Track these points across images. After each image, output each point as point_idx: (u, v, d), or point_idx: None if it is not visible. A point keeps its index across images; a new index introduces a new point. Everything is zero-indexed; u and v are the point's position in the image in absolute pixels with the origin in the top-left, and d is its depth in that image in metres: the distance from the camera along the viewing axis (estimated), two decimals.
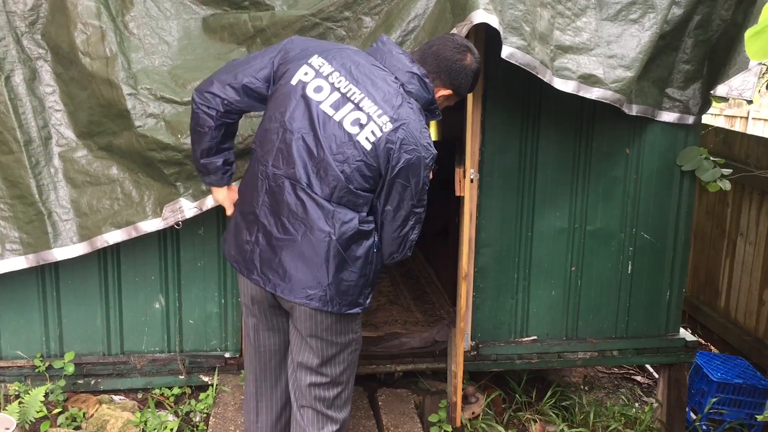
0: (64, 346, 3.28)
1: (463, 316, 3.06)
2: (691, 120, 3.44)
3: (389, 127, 2.15)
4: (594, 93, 3.03)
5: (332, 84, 2.20)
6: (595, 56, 3.03)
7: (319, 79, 2.22)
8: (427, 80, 2.26)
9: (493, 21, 2.62)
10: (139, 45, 2.87)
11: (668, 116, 3.42)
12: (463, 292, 3.06)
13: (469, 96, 2.80)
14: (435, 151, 2.23)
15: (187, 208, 2.92)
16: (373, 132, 2.16)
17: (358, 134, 2.17)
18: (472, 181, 2.83)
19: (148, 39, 2.89)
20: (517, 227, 3.54)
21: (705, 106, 3.41)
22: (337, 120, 2.19)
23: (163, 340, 3.35)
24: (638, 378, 4.64)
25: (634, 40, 3.11)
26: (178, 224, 2.93)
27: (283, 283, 2.27)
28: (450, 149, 3.33)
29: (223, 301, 3.35)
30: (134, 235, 2.96)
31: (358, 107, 2.17)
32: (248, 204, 2.34)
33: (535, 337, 3.67)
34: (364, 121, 2.16)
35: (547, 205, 3.55)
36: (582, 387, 4.26)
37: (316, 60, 2.25)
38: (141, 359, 3.32)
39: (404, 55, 2.26)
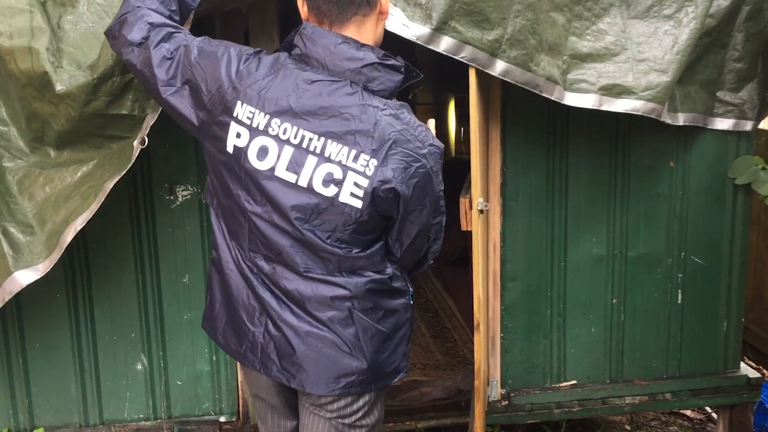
0: (35, 418, 2.86)
1: (480, 372, 2.59)
2: (749, 126, 2.98)
3: (374, 164, 1.64)
4: (620, 105, 2.58)
5: (276, 137, 1.66)
6: (622, 62, 2.59)
7: (257, 137, 1.67)
8: (388, 60, 1.70)
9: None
10: None
11: (722, 123, 2.96)
12: (478, 345, 2.59)
13: (473, 106, 2.35)
14: (440, 144, 1.74)
15: None
16: (357, 184, 1.65)
17: (337, 195, 1.66)
18: (481, 212, 2.38)
19: None
20: (548, 256, 3.10)
21: (764, 108, 2.95)
22: (304, 185, 1.67)
23: (148, 406, 2.92)
24: (689, 414, 4.15)
25: (670, 38, 2.66)
26: (144, 141, 2.13)
27: (312, 377, 1.80)
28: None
29: (214, 357, 2.92)
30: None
31: (323, 157, 1.65)
32: (236, 285, 1.83)
33: (574, 382, 3.20)
34: (338, 175, 1.65)
35: (581, 229, 3.10)
36: (627, 429, 3.78)
37: (242, 110, 1.67)
38: (123, 429, 2.89)
39: (345, 43, 1.67)
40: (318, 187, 1.66)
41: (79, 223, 2.09)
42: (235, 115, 1.67)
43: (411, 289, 1.90)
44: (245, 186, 1.71)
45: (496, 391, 3.14)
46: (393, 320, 1.83)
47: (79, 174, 2.13)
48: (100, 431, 2.89)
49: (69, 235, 2.10)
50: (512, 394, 3.14)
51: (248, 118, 1.67)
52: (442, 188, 1.80)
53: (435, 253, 1.92)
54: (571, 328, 3.17)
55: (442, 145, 1.77)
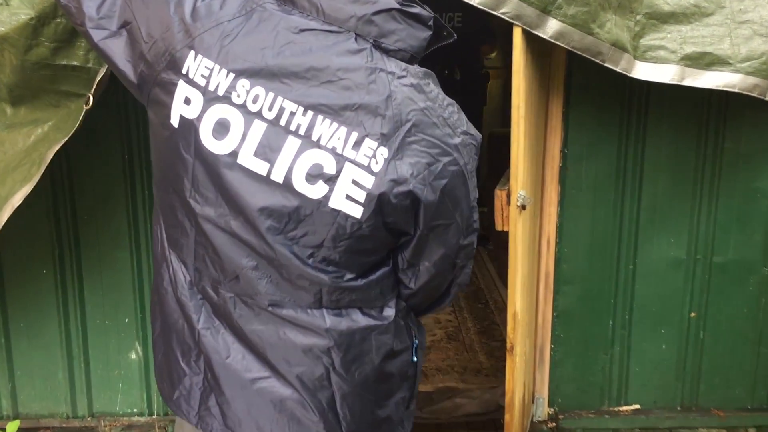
0: (19, 405, 2.59)
1: (513, 405, 2.13)
2: None
3: (385, 155, 1.17)
4: (708, 79, 2.03)
5: (243, 107, 1.20)
6: (716, 24, 2.03)
7: (215, 105, 1.21)
8: (412, 8, 1.23)
9: None
10: None
11: None
12: (511, 372, 2.12)
13: (517, 75, 1.82)
14: (477, 134, 1.28)
15: None
16: (356, 182, 1.18)
17: (327, 196, 1.19)
18: (523, 207, 1.88)
19: None
20: (614, 257, 2.59)
21: None
22: (279, 180, 1.20)
23: (142, 400, 2.61)
24: None
25: None
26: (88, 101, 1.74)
27: None
28: None
29: None
30: None
31: (309, 140, 1.18)
32: (172, 312, 1.35)
33: (637, 407, 2.70)
34: (330, 167, 1.18)
35: (656, 227, 2.57)
36: None
37: (194, 64, 1.21)
38: (114, 423, 2.59)
39: None
40: (300, 184, 1.19)
41: (16, 200, 1.73)
42: (184, 71, 1.21)
43: (417, 340, 1.41)
44: (193, 176, 1.24)
45: (542, 411, 2.68)
46: (386, 387, 1.37)
47: (32, 138, 1.77)
48: (89, 424, 2.59)
49: (5, 214, 1.74)
50: (561, 416, 2.67)
51: (203, 76, 1.21)
52: (477, 196, 1.31)
53: (461, 286, 1.42)
54: (638, 344, 2.66)
55: (479, 135, 1.28)
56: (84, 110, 1.71)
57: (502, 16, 1.77)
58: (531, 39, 1.86)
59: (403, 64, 1.22)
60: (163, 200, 1.33)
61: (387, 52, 1.21)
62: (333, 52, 1.19)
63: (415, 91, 1.20)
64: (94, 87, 1.72)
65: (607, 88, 2.42)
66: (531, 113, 1.98)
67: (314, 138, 1.18)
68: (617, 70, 1.93)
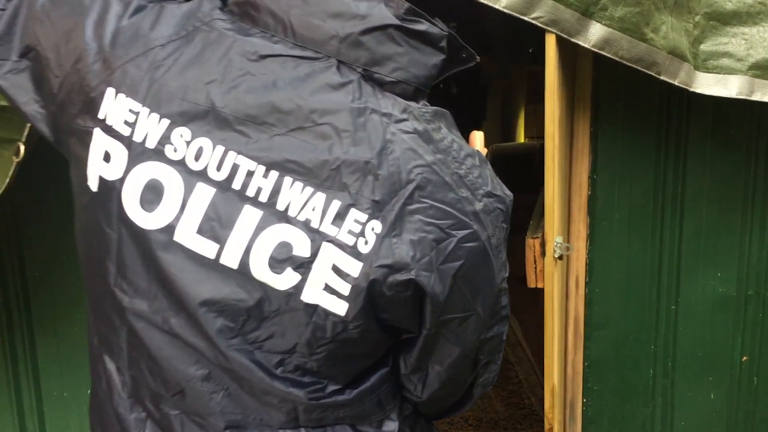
0: None
1: None
2: None
3: (377, 231, 0.84)
4: None
5: (181, 163, 0.86)
6: None
7: (143, 162, 0.87)
8: (416, 24, 0.88)
9: None
10: None
11: None
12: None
13: (551, 96, 1.48)
14: (507, 194, 0.94)
15: None
16: (338, 268, 0.85)
17: (299, 288, 0.86)
18: (560, 258, 1.54)
19: None
20: (653, 297, 2.25)
21: None
22: (234, 266, 0.86)
23: None
24: None
25: None
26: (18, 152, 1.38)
27: None
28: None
29: None
30: None
31: (273, 211, 0.85)
32: (109, 425, 0.99)
33: None
34: (302, 248, 0.85)
35: (701, 260, 2.23)
36: None
37: (114, 107, 0.87)
38: None
39: None
40: (261, 271, 0.85)
41: None
42: (101, 116, 0.87)
43: None
44: (118, 258, 0.90)
45: None
46: None
47: None
48: None
49: None
50: None
51: (127, 123, 0.86)
52: (506, 275, 0.96)
53: (486, 387, 1.07)
54: (683, 394, 2.32)
55: (509, 195, 0.94)
56: (14, 162, 1.35)
57: (534, 22, 1.42)
58: (563, 48, 1.51)
59: (404, 102, 0.87)
60: (88, 285, 0.97)
61: (382, 85, 0.87)
62: (306, 86, 0.84)
63: (420, 139, 0.86)
64: (26, 132, 1.36)
65: (640, 103, 2.09)
66: (563, 141, 1.64)
67: (280, 208, 0.84)
68: (676, 83, 1.59)
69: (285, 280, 0.84)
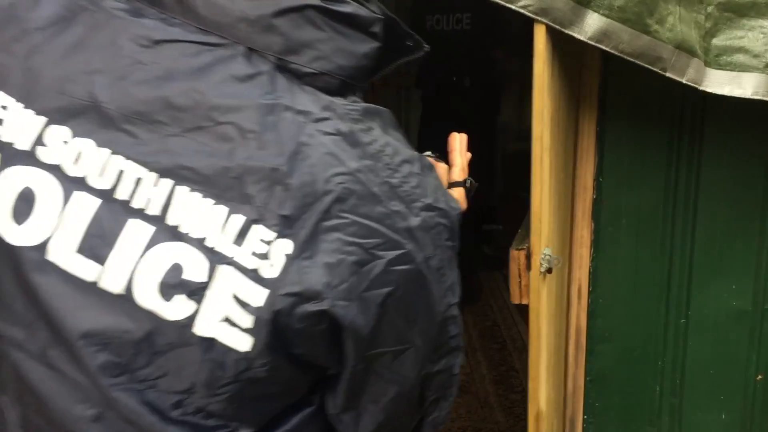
0: None
1: None
2: None
3: (287, 252, 0.70)
4: None
5: (57, 169, 0.72)
6: None
7: (12, 166, 0.72)
8: (343, 6, 0.75)
9: None
10: None
11: None
12: None
13: (539, 94, 1.32)
14: (453, 207, 0.80)
15: None
16: (238, 297, 0.70)
17: (193, 318, 0.71)
18: (548, 271, 1.39)
19: None
20: (661, 309, 2.10)
21: None
22: (116, 290, 0.71)
23: None
24: None
25: None
26: None
27: None
28: None
29: None
30: None
31: (164, 226, 0.71)
32: None
33: None
34: (197, 271, 0.71)
35: (714, 271, 2.07)
36: None
37: None
38: None
39: None
40: (148, 298, 0.72)
41: None
42: None
43: None
44: None
45: None
46: None
47: None
48: None
49: None
50: None
51: None
52: (456, 300, 0.82)
53: (437, 426, 0.92)
54: (692, 414, 2.16)
55: (456, 207, 0.81)
56: None
57: (521, 11, 1.28)
58: (558, 40, 1.37)
59: (327, 99, 0.74)
60: None
61: (300, 77, 0.74)
62: (207, 78, 0.71)
63: (343, 142, 0.72)
64: None
65: (651, 101, 1.93)
66: (558, 139, 1.50)
67: (172, 222, 0.71)
68: (684, 81, 1.44)
69: (176, 308, 0.71)
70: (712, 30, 1.43)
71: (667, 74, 1.41)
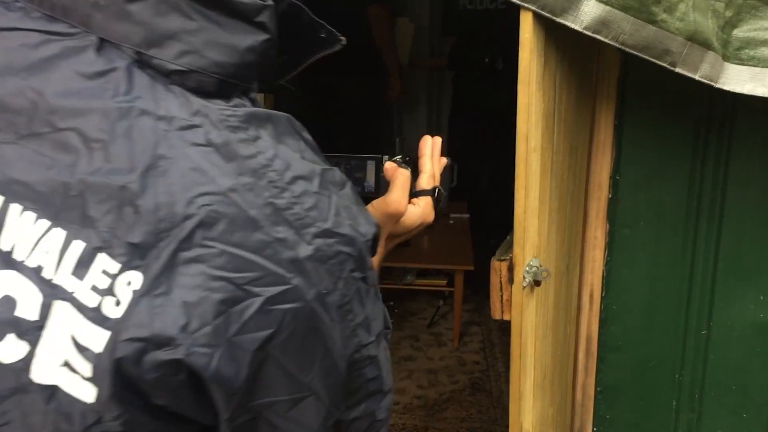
0: None
1: None
2: None
3: (135, 288, 0.57)
4: None
5: None
6: None
7: None
8: None
9: None
10: None
11: None
12: None
13: (524, 89, 1.16)
14: (361, 232, 0.66)
15: None
16: (76, 340, 0.58)
17: (28, 362, 0.59)
18: (536, 284, 1.26)
19: None
20: (681, 318, 1.94)
21: None
22: None
23: None
24: None
25: None
26: None
27: None
28: None
29: None
30: None
31: None
32: None
33: None
34: (30, 307, 0.59)
35: (740, 279, 1.90)
36: None
37: None
38: None
39: None
40: None
41: None
42: None
43: None
44: None
45: None
46: None
47: None
48: None
49: None
50: None
51: None
52: (369, 340, 0.70)
53: None
54: (711, 430, 2.01)
55: (369, 229, 0.68)
56: None
57: None
58: (555, 26, 1.22)
59: (199, 102, 0.62)
60: None
61: (166, 75, 0.62)
62: (49, 75, 0.60)
63: (216, 155, 0.60)
64: None
65: (676, 93, 1.77)
66: (563, 136, 1.35)
67: (4, 247, 0.60)
68: (696, 78, 1.28)
69: (8, 350, 0.59)
70: (733, 19, 1.26)
71: (677, 70, 1.25)
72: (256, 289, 0.59)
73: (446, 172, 3.20)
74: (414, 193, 1.00)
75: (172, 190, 0.58)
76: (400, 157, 1.04)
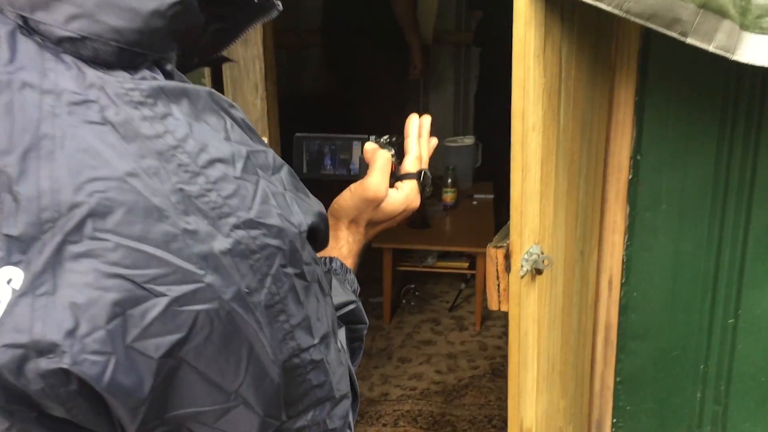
0: None
1: None
2: None
3: (16, 287, 0.50)
4: None
5: None
6: None
7: None
8: None
9: None
10: None
11: None
12: None
13: (519, 62, 1.05)
14: (292, 223, 0.58)
15: None
16: None
17: None
18: (538, 272, 1.17)
19: None
20: (706, 306, 1.83)
21: None
22: None
23: None
24: None
25: None
26: None
27: None
28: None
29: None
30: None
31: None
32: None
33: None
34: None
35: None
36: None
37: None
38: None
39: None
40: None
41: None
42: None
43: None
44: None
45: None
46: None
47: None
48: None
49: None
50: None
51: None
52: (312, 342, 0.62)
53: None
54: (738, 424, 1.91)
55: (303, 221, 0.59)
56: None
57: None
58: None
59: (96, 74, 0.54)
60: None
61: (57, 43, 0.54)
62: None
63: (113, 135, 0.53)
64: None
65: (701, 66, 1.65)
66: (567, 115, 1.26)
67: None
68: (710, 49, 1.17)
69: None
70: None
71: (688, 40, 1.15)
72: (161, 288, 0.52)
73: (470, 152, 3.07)
74: (397, 177, 0.92)
75: (57, 175, 0.51)
76: (385, 138, 0.96)
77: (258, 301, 0.55)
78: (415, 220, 3.26)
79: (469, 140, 3.81)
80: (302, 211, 0.59)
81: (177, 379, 0.54)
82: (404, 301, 3.44)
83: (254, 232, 0.55)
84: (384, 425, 2.52)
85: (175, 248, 0.52)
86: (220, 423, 0.58)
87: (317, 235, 0.63)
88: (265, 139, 1.78)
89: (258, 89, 1.69)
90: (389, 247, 3.10)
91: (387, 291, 3.18)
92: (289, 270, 0.57)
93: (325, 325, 0.63)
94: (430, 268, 3.33)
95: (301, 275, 0.59)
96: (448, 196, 3.45)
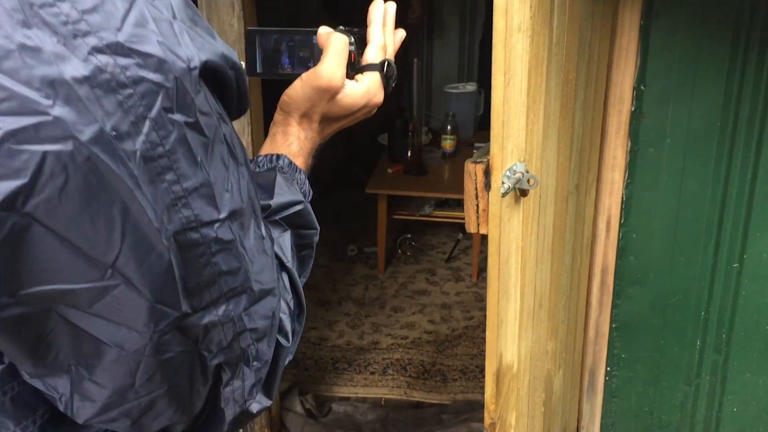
0: None
1: None
2: None
3: None
4: None
5: None
6: None
7: None
8: None
9: None
10: None
11: None
12: None
13: None
14: (187, 56, 0.47)
15: None
16: None
17: None
18: (523, 193, 1.07)
19: None
20: (709, 250, 1.73)
21: None
22: None
23: None
24: None
25: None
26: None
27: None
28: None
29: None
30: None
31: None
32: None
33: None
34: None
35: None
36: None
37: None
38: None
39: None
40: None
41: None
42: None
43: None
44: None
45: None
46: None
47: None
48: None
49: None
50: None
51: None
52: (220, 217, 0.51)
53: (249, 399, 0.59)
54: (738, 374, 1.82)
55: (204, 54, 0.48)
56: None
57: None
58: None
59: None
60: None
61: None
62: None
63: None
64: None
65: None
66: (562, 26, 1.14)
67: None
68: None
69: None
70: None
71: None
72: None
73: (472, 99, 2.91)
74: (358, 69, 0.81)
75: None
76: (344, 27, 0.84)
77: (132, 150, 0.44)
78: (412, 167, 3.15)
79: (471, 87, 3.68)
80: (195, 45, 0.48)
81: (28, 243, 0.43)
82: (400, 251, 3.35)
83: (124, 60, 0.44)
84: (372, 373, 2.45)
85: (7, 68, 0.41)
86: (98, 307, 0.47)
87: (223, 85, 0.52)
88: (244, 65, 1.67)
89: (234, 8, 1.58)
90: (384, 193, 3.00)
91: (381, 240, 3.09)
92: (177, 117, 0.46)
93: (237, 200, 0.52)
94: (427, 217, 3.23)
95: (195, 126, 0.48)
96: (448, 143, 3.34)
